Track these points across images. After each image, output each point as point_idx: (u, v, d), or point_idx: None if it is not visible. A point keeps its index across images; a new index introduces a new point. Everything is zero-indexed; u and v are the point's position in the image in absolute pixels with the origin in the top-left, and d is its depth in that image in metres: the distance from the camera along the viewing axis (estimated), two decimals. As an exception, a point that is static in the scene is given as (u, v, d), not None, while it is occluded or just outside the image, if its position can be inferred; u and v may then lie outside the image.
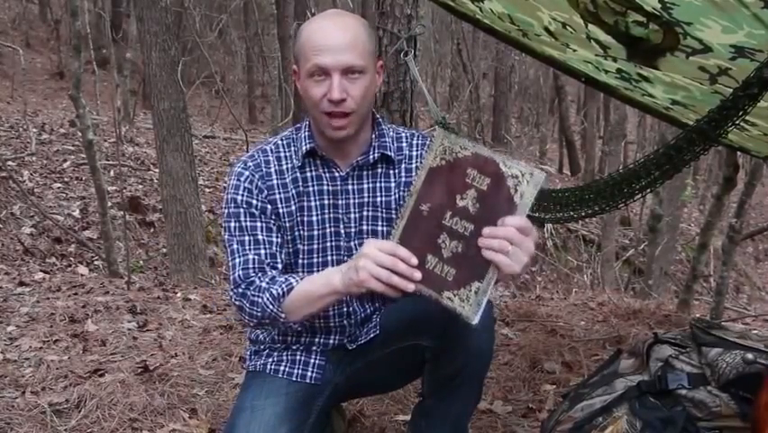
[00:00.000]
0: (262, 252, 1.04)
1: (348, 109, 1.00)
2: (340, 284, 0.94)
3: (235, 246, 1.04)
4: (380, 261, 0.88)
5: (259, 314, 1.01)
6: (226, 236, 1.06)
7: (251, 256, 1.03)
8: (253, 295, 1.01)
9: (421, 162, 0.94)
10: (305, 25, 1.05)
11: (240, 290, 1.03)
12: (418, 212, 0.90)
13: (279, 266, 1.04)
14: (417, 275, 0.86)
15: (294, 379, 1.11)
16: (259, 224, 1.05)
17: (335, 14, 1.06)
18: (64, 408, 1.45)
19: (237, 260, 1.04)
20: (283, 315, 0.99)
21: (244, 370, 1.19)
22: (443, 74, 10.32)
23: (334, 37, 0.99)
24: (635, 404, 1.19)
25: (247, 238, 1.04)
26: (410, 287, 0.87)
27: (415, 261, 0.86)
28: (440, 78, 10.21)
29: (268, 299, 0.99)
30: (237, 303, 1.04)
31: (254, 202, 1.06)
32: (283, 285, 0.99)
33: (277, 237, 1.06)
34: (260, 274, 1.03)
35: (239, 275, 1.03)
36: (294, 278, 1.00)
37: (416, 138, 1.14)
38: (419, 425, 1.16)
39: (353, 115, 1.01)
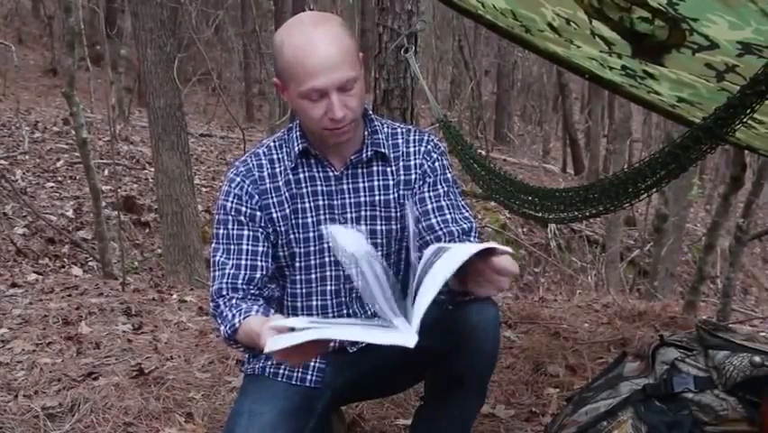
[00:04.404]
0: (243, 263, 1.06)
1: (348, 121, 1.00)
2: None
3: (218, 257, 1.07)
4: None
5: (225, 342, 1.05)
6: (214, 243, 1.08)
7: (228, 271, 1.05)
8: (218, 320, 1.05)
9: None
10: (285, 39, 0.97)
11: (211, 308, 1.07)
12: None
13: (258, 276, 1.06)
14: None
15: (293, 382, 1.09)
16: (246, 232, 1.06)
17: (316, 23, 0.98)
18: (57, 412, 1.43)
19: (216, 273, 1.06)
20: (240, 348, 1.04)
21: (242, 373, 1.17)
22: (444, 71, 10.26)
23: (324, 54, 0.94)
24: (641, 408, 1.18)
25: (232, 247, 1.06)
26: None
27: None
28: (441, 76, 10.14)
29: (223, 332, 1.03)
30: (212, 317, 1.08)
31: (243, 209, 1.06)
32: (228, 325, 1.01)
33: (263, 246, 1.06)
34: (230, 295, 1.05)
35: (214, 290, 1.06)
36: (239, 315, 1.01)
37: (412, 134, 1.12)
38: (421, 429, 1.15)
39: (353, 123, 1.02)
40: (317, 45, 0.95)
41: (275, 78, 1.03)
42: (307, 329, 0.81)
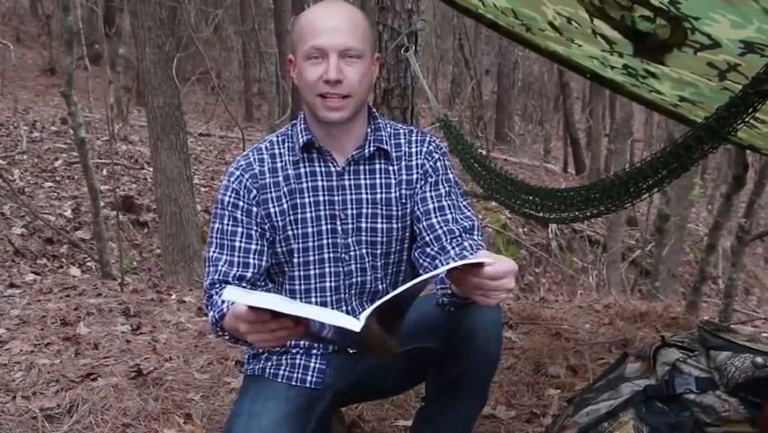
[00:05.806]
0: (235, 259, 1.06)
1: (344, 92, 1.00)
2: None
3: (212, 252, 1.07)
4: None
5: (213, 329, 1.06)
6: (209, 236, 1.09)
7: (220, 268, 1.06)
8: (208, 309, 1.05)
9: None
10: (302, 14, 1.06)
11: (204, 300, 1.08)
12: None
13: (248, 274, 1.06)
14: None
15: (293, 383, 1.08)
16: (239, 229, 1.07)
17: (334, 2, 1.07)
18: (56, 413, 1.42)
19: (210, 268, 1.07)
20: (227, 336, 1.03)
21: (241, 374, 1.16)
22: (444, 70, 10.26)
23: (333, 20, 1.00)
24: (642, 409, 1.17)
25: (225, 243, 1.07)
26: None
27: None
28: (441, 75, 10.14)
29: (210, 318, 1.04)
30: (205, 308, 1.09)
31: (240, 204, 1.07)
32: (216, 310, 1.02)
33: (257, 245, 1.07)
34: (221, 286, 1.05)
35: (207, 285, 1.07)
36: (228, 301, 1.00)
37: (414, 134, 1.12)
38: (421, 430, 1.14)
39: (349, 99, 1.01)
40: (328, 13, 1.02)
41: (289, 56, 1.06)
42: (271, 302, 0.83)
